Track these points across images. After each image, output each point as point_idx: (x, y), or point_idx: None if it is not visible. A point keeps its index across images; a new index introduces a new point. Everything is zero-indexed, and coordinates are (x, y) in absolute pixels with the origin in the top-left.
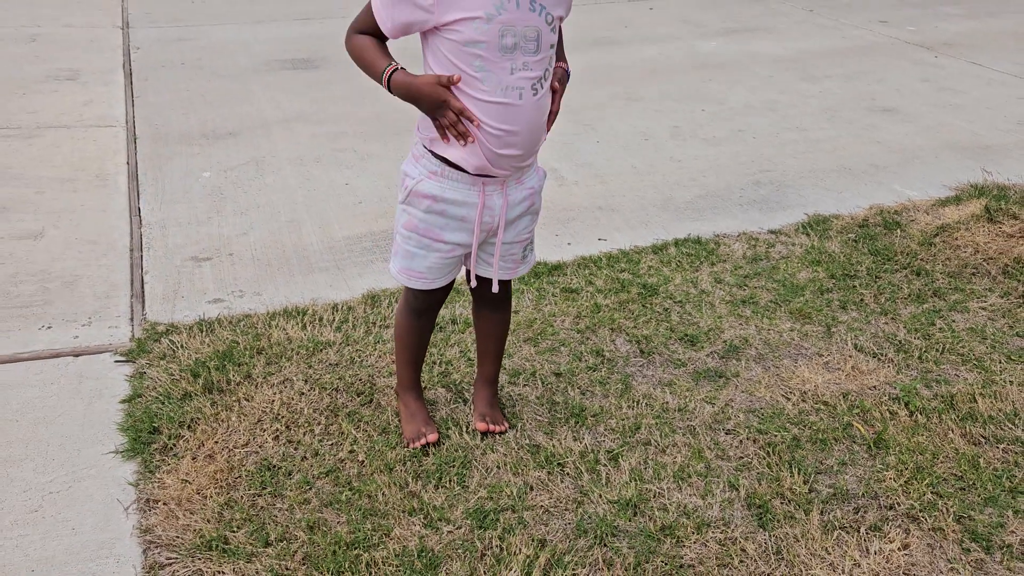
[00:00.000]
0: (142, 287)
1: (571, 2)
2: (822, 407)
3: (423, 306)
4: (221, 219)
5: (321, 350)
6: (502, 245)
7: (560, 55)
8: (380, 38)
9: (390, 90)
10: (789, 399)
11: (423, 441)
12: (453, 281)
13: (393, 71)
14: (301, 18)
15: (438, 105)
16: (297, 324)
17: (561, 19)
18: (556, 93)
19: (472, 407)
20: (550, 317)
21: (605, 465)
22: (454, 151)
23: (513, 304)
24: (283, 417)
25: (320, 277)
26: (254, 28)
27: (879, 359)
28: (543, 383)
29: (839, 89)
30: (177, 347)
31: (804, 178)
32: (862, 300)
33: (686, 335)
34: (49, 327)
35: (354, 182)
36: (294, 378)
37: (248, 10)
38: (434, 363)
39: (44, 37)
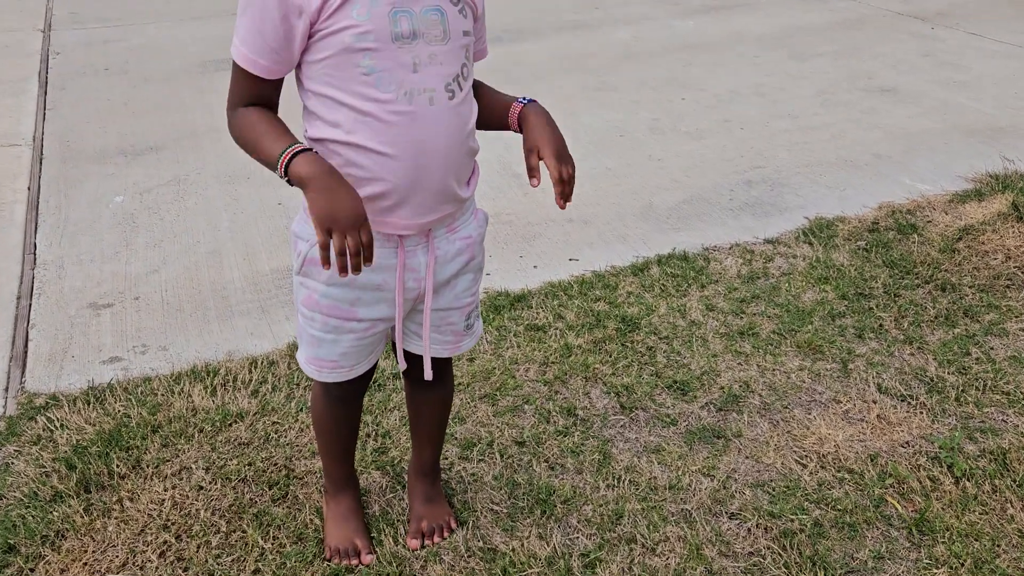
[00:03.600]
0: (25, 346)
1: None
2: (846, 476)
3: (345, 394)
4: (130, 253)
5: (231, 424)
6: (435, 313)
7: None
8: (268, 106)
9: (288, 175)
10: (805, 465)
11: (353, 562)
12: (371, 371)
13: (301, 150)
14: None
15: (354, 220)
16: (206, 389)
17: (473, 4)
18: (548, 163)
19: (408, 505)
20: (512, 365)
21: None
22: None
23: (471, 349)
24: (173, 524)
25: (240, 323)
26: (191, 25)
27: (909, 403)
28: (502, 456)
29: (831, 68)
30: (55, 427)
31: (801, 174)
32: (881, 326)
33: (675, 382)
34: None
35: (288, 201)
36: (193, 466)
37: (186, 6)
38: (367, 435)
39: None
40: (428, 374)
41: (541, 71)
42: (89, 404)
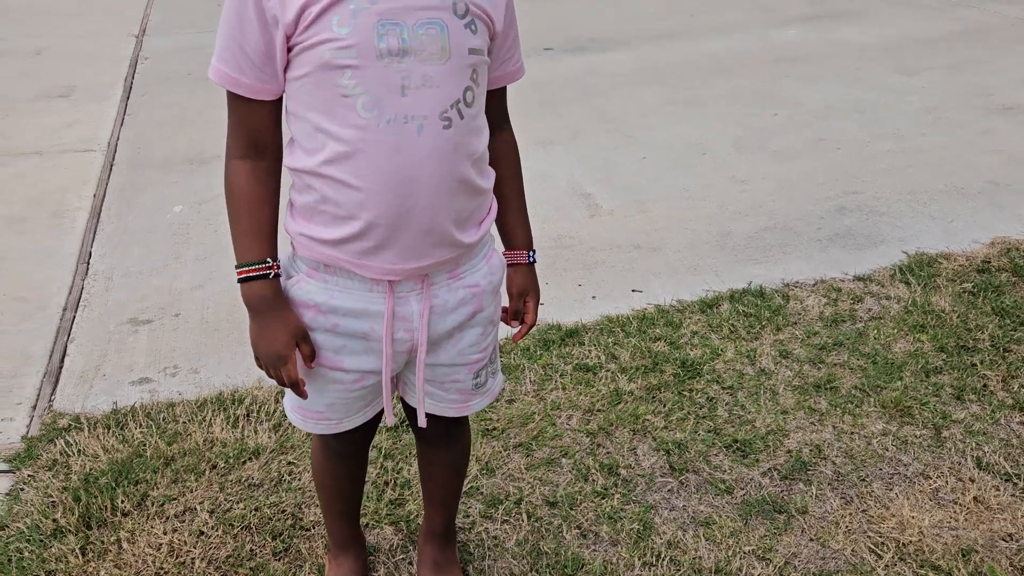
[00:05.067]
0: (61, 361)
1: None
2: (930, 574)
3: (345, 447)
4: (179, 266)
5: (244, 462)
6: (435, 369)
7: (498, 120)
8: (268, 154)
9: (243, 293)
10: (880, 555)
11: None
12: (381, 412)
13: (255, 275)
14: None
15: (275, 361)
16: (227, 419)
17: (488, 16)
18: (528, 305)
19: (415, 570)
20: (554, 410)
21: None
22: (328, 230)
23: (510, 388)
24: (166, 574)
25: None
26: None
27: (1015, 485)
28: (530, 517)
29: (944, 83)
30: (72, 452)
31: (901, 201)
32: (985, 386)
33: (735, 441)
34: None
35: None
36: (198, 507)
37: None
38: (385, 483)
39: (51, 50)
40: (421, 420)
41: (622, 82)
42: (109, 429)
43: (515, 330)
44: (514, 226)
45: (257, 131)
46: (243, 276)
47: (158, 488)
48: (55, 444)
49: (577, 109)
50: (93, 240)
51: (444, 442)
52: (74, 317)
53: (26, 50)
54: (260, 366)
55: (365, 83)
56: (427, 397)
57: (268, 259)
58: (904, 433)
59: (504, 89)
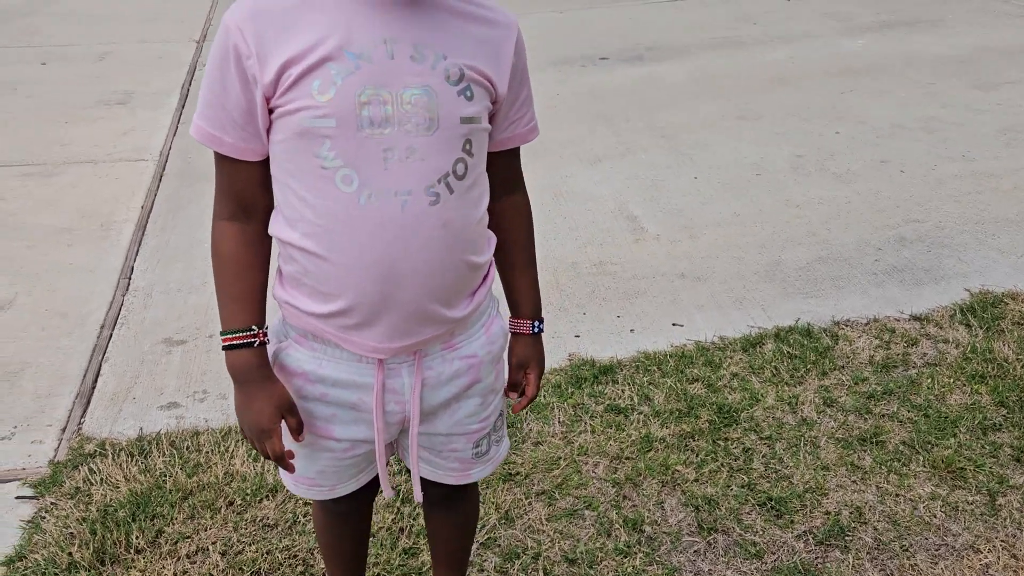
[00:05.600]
0: (94, 382)
1: (515, 59)
2: None
3: (345, 509)
4: None
5: (261, 500)
6: (431, 438)
7: (506, 183)
8: (256, 216)
9: (227, 362)
10: None
11: None
12: (375, 481)
13: (239, 343)
14: None
15: (258, 435)
16: (250, 451)
17: (488, 80)
18: (529, 377)
19: None
20: (580, 456)
21: None
22: (312, 302)
23: (537, 428)
24: None
25: None
26: None
27: None
28: (546, 575)
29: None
30: (94, 481)
31: (968, 232)
32: None
33: (770, 499)
34: None
35: None
36: (211, 547)
37: None
38: (400, 530)
39: (113, 55)
40: (417, 494)
41: (678, 94)
42: (132, 457)
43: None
44: (519, 294)
45: (244, 192)
46: (227, 344)
47: (174, 524)
48: (79, 471)
49: (630, 123)
50: (136, 254)
51: (449, 505)
52: (111, 336)
53: (91, 55)
54: (245, 437)
55: (345, 155)
56: (425, 464)
57: (254, 327)
58: (955, 498)
59: (516, 151)
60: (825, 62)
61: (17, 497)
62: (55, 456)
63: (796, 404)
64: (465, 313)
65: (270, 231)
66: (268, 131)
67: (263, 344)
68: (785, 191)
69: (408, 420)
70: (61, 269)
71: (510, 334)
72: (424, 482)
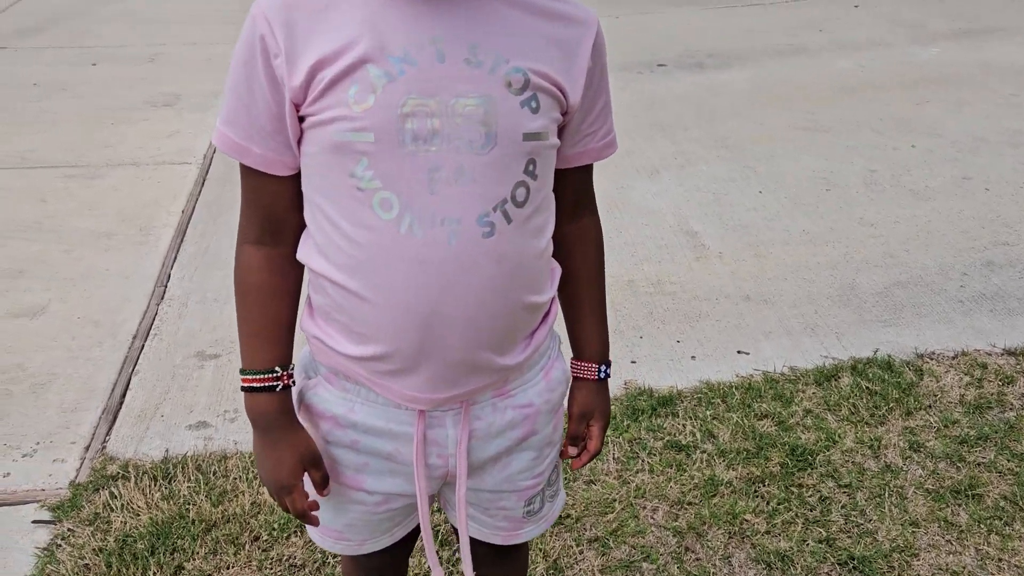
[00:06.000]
0: (122, 396)
1: (592, 63)
2: None
3: (376, 564)
4: None
5: (289, 536)
6: (478, 494)
7: (575, 205)
8: (285, 239)
9: (245, 405)
10: None
11: None
12: (414, 532)
13: (263, 386)
14: None
15: (276, 490)
16: None
17: (558, 89)
18: (592, 430)
19: None
20: (638, 498)
21: None
22: (343, 342)
23: (590, 465)
24: None
25: None
26: None
27: None
28: None
29: None
30: (115, 507)
31: None
32: None
33: (852, 558)
34: None
35: None
36: None
37: None
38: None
39: (163, 57)
40: (468, 571)
41: (741, 104)
42: (156, 481)
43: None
44: (585, 333)
45: (272, 211)
46: (246, 385)
47: (195, 559)
48: (100, 494)
49: (690, 132)
50: (174, 261)
51: (495, 562)
52: (142, 347)
53: (141, 57)
54: (265, 487)
55: (384, 176)
56: (469, 520)
57: (277, 368)
58: None
59: (588, 168)
60: (896, 71)
61: (34, 521)
62: (76, 477)
63: (878, 448)
64: (521, 359)
65: (299, 257)
66: (299, 142)
67: (287, 388)
68: (858, 208)
69: (451, 475)
70: (97, 275)
71: (574, 379)
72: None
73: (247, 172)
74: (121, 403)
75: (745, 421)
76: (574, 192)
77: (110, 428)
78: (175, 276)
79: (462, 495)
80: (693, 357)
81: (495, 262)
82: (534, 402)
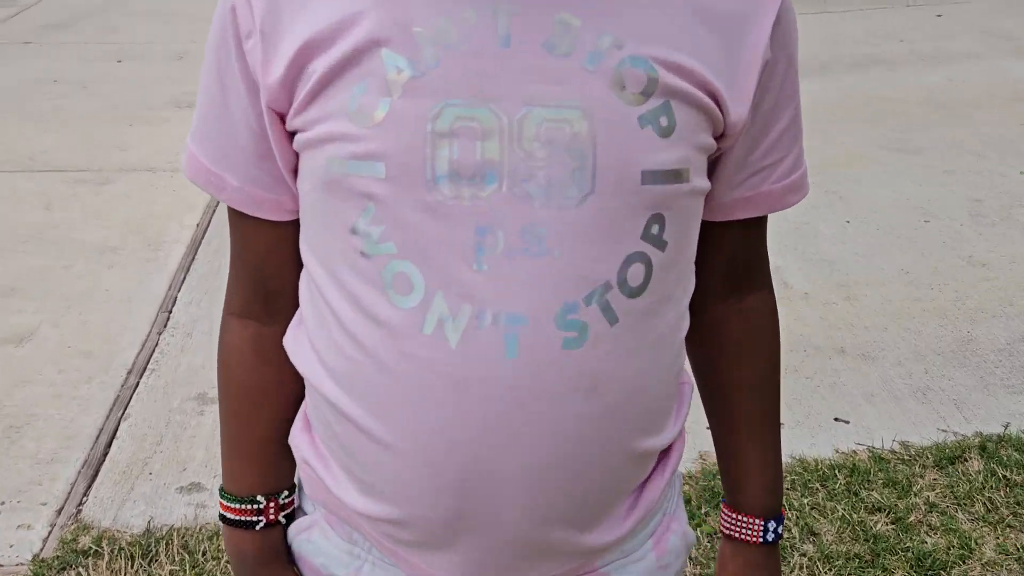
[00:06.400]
0: (107, 446)
1: (772, 54)
2: None
3: None
4: None
5: None
6: None
7: (734, 278)
8: (282, 313)
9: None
10: None
11: None
12: None
13: (240, 520)
14: None
15: None
16: None
17: (709, 94)
18: None
19: None
20: None
21: None
22: (348, 490)
23: None
24: None
25: None
26: None
27: None
28: None
29: None
30: None
31: None
32: None
33: None
34: None
35: None
36: None
37: None
38: None
39: (192, 54)
40: None
41: (821, 119)
42: (134, 562)
43: None
44: (745, 470)
45: (263, 271)
46: (221, 512)
47: None
48: (66, 575)
49: None
50: (183, 282)
51: None
52: (137, 384)
53: (168, 54)
54: None
55: (400, 235)
56: None
57: (259, 498)
58: None
59: (759, 222)
60: (992, 87)
61: None
62: (42, 550)
63: None
64: (619, 535)
65: (285, 344)
66: (296, 172)
67: (270, 525)
68: (965, 245)
69: None
70: (96, 295)
71: (725, 538)
72: None
73: (232, 215)
74: (105, 455)
75: (853, 515)
76: (733, 258)
77: (89, 486)
78: (181, 300)
79: None
80: (782, 424)
81: (585, 390)
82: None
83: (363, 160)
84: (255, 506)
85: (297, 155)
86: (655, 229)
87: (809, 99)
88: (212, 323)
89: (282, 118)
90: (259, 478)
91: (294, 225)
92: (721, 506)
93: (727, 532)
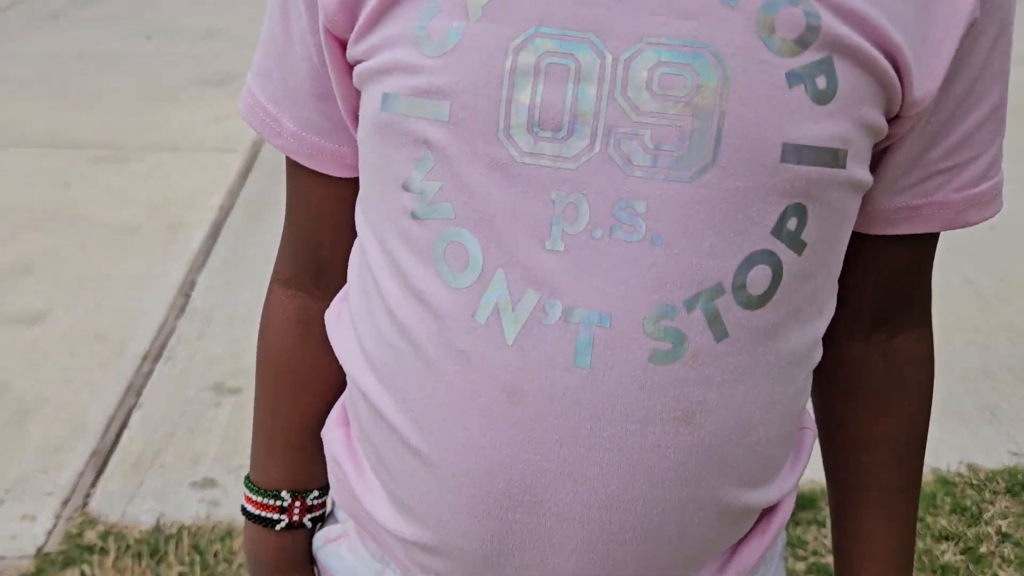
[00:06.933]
0: (117, 436)
1: (980, 18)
2: None
3: None
4: None
5: None
6: None
7: (886, 310)
8: (333, 284)
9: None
10: None
11: None
12: None
13: (261, 516)
14: None
15: None
16: None
17: (888, 53)
18: None
19: None
20: None
21: None
22: (379, 505)
23: None
24: None
25: None
26: None
27: None
28: None
29: None
30: None
31: None
32: None
33: None
34: None
35: None
36: None
37: None
38: None
39: (221, 33)
40: None
41: None
42: (141, 560)
43: None
44: (869, 550)
45: (315, 234)
46: (244, 507)
47: None
48: (69, 572)
49: None
50: (203, 265)
51: None
52: (151, 371)
53: (199, 31)
54: None
55: (459, 196)
56: None
57: (284, 494)
58: None
59: (927, 241)
60: None
61: None
62: (45, 543)
63: None
64: None
65: (327, 323)
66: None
67: (296, 528)
68: None
69: None
70: (112, 277)
71: None
72: None
73: (288, 167)
74: (115, 445)
75: (920, 543)
76: (888, 285)
77: (97, 477)
78: (201, 284)
79: None
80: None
81: (674, 419)
82: None
83: (424, 97)
84: (278, 502)
85: (359, 94)
86: (792, 224)
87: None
88: (232, 310)
89: (343, 46)
90: (287, 471)
91: (354, 185)
92: None
93: None
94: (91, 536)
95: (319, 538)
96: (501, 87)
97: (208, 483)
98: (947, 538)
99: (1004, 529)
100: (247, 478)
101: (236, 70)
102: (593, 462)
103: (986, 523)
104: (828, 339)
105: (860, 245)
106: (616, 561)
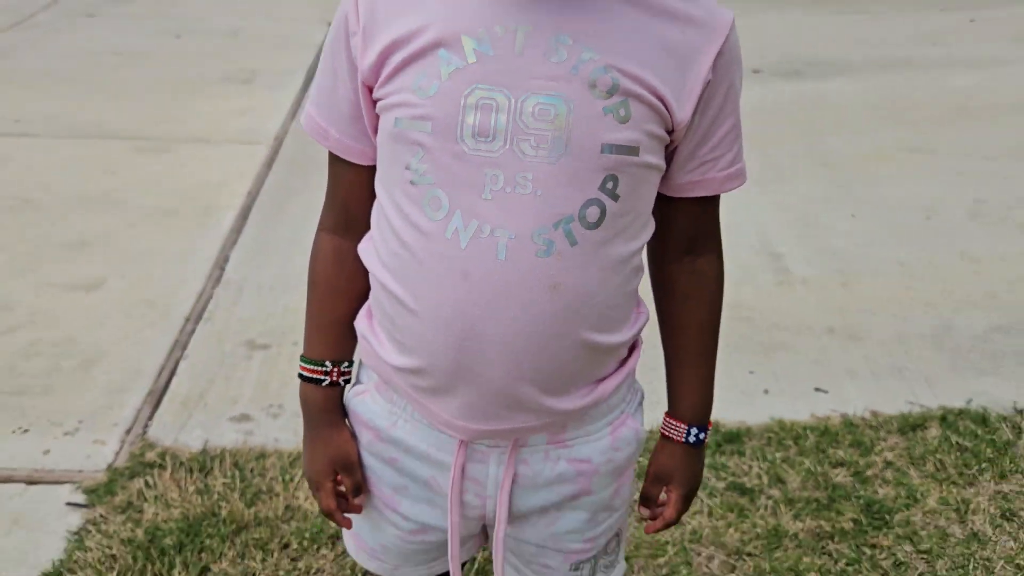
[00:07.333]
0: (168, 381)
1: (713, 76)
2: None
3: None
4: None
5: (320, 547)
6: (519, 543)
7: (688, 242)
8: (357, 234)
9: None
10: None
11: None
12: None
13: (312, 377)
14: None
15: (312, 484)
16: None
17: (658, 98)
18: (669, 496)
19: None
20: (693, 543)
21: None
22: (388, 350)
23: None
24: None
25: None
26: None
27: None
28: None
29: None
30: (147, 496)
31: None
32: None
33: None
34: (25, 431)
35: None
36: None
37: None
38: None
39: (244, 31)
40: None
41: (845, 118)
42: (192, 473)
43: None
44: (681, 389)
45: (348, 200)
46: (300, 372)
47: (221, 562)
48: (135, 482)
49: (785, 146)
50: (235, 244)
51: None
52: (193, 330)
53: (224, 30)
54: None
55: (437, 171)
56: (512, 570)
57: (327, 362)
58: None
59: (711, 200)
60: (1018, 93)
61: (68, 503)
62: (115, 461)
63: (965, 512)
64: (578, 405)
65: (359, 250)
66: (376, 131)
67: (335, 384)
68: (960, 241)
69: (490, 518)
70: (156, 252)
71: (660, 435)
72: None
73: (331, 158)
74: (166, 388)
75: (818, 468)
76: (687, 227)
77: (152, 413)
78: (233, 259)
79: (500, 538)
80: (766, 391)
81: (548, 288)
82: (592, 459)
83: (418, 120)
84: (323, 368)
85: (378, 117)
86: (610, 184)
87: (837, 97)
88: (260, 281)
89: (370, 90)
90: (329, 349)
91: (372, 170)
92: (663, 415)
93: (662, 432)
94: (151, 456)
95: (349, 392)
96: (458, 114)
97: (244, 418)
98: (842, 464)
99: (889, 458)
100: (301, 355)
101: (259, 67)
102: (508, 312)
103: (876, 454)
104: (657, 262)
105: (670, 203)
106: (523, 370)
